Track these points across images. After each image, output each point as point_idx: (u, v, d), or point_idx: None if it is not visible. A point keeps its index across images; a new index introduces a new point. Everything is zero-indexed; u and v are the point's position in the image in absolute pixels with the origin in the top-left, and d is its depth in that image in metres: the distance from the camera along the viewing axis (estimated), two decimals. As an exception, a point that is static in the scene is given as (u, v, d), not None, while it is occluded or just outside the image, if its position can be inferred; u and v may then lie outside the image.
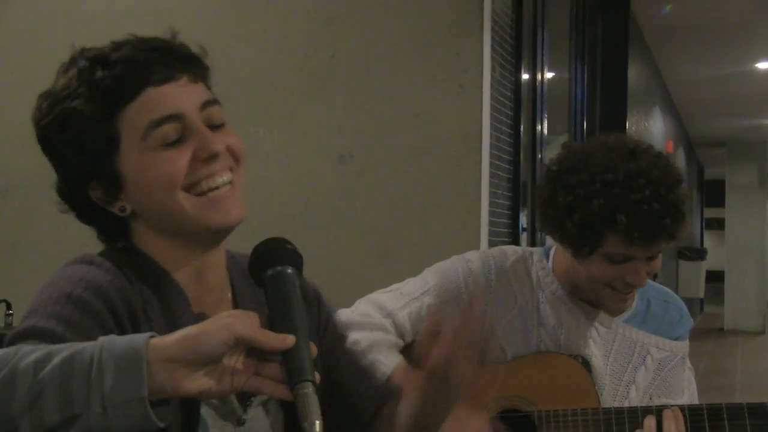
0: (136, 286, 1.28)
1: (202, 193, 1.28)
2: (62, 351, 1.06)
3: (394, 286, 2.18)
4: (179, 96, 1.27)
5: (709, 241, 20.14)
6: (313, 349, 1.12)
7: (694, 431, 1.95)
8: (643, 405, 2.03)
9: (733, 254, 15.66)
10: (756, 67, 9.79)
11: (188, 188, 1.27)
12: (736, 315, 15.42)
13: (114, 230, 1.34)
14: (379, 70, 3.84)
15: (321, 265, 3.79)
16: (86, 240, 4.57)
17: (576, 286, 2.09)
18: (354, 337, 2.05)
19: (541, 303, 2.12)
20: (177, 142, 1.26)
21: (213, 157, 1.27)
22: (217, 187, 1.28)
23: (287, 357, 1.10)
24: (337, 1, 3.90)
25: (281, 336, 1.10)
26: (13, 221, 4.28)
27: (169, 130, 1.26)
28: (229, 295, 1.40)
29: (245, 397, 1.32)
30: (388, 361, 2.03)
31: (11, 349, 1.09)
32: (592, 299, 2.10)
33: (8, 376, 1.05)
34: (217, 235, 1.32)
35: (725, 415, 1.95)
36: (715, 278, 16.95)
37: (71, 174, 1.31)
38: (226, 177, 1.29)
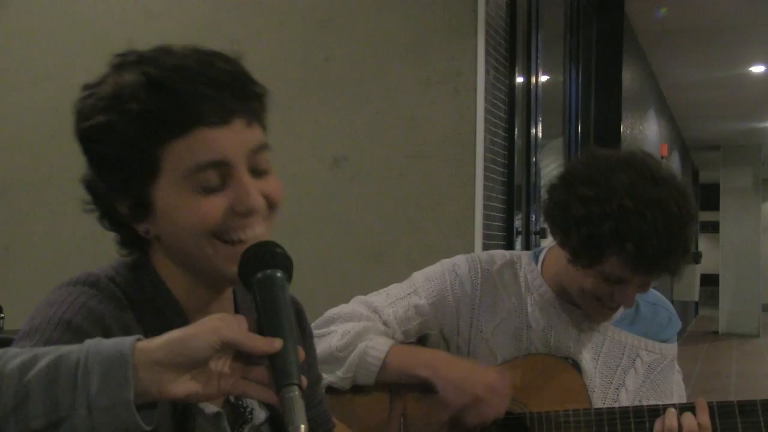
0: (138, 312, 1.26)
1: (230, 242, 1.25)
2: (48, 354, 1.05)
3: (381, 290, 2.19)
4: (230, 141, 1.22)
5: (704, 244, 20.16)
6: (301, 353, 1.12)
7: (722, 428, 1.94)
8: (635, 405, 2.03)
9: (728, 257, 15.69)
10: (750, 71, 9.82)
11: (217, 235, 1.24)
12: (731, 318, 15.44)
13: (134, 242, 1.31)
14: (373, 73, 3.84)
15: (315, 268, 3.80)
16: (80, 243, 4.53)
17: (565, 288, 2.10)
18: (342, 328, 2.05)
19: (529, 306, 2.12)
20: (217, 188, 1.22)
21: (250, 212, 1.24)
22: (246, 241, 1.25)
23: (274, 361, 1.09)
24: (331, 4, 3.90)
25: (268, 340, 1.10)
26: (7, 223, 4.27)
27: (212, 176, 1.21)
28: (232, 305, 1.39)
29: (237, 423, 1.32)
30: (380, 346, 2.03)
31: None
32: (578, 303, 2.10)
33: None
34: (231, 283, 1.31)
35: (737, 412, 1.94)
36: (710, 281, 16.98)
37: (102, 183, 1.26)
38: (258, 230, 1.26)
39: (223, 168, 1.22)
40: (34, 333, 1.19)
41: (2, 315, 3.47)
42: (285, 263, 1.19)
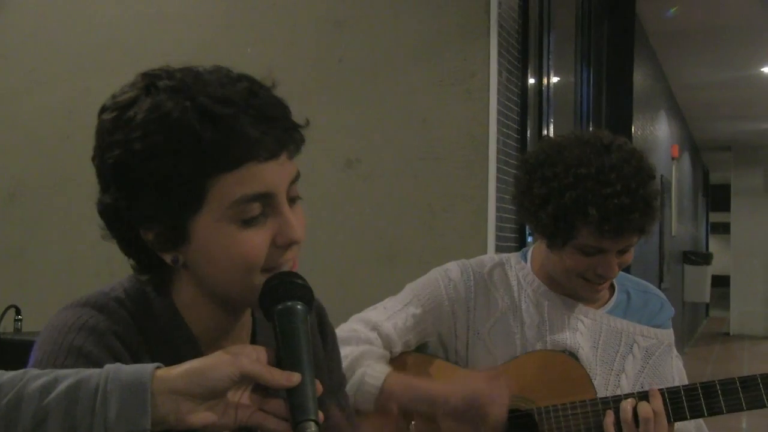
0: (147, 337, 1.26)
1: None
2: (68, 377, 1.07)
3: (377, 304, 2.22)
4: (276, 175, 1.21)
5: (715, 245, 20.11)
6: (319, 387, 1.12)
7: (675, 411, 1.99)
8: (639, 391, 2.05)
9: (739, 258, 15.65)
10: (762, 71, 9.79)
11: (266, 270, 1.22)
12: (742, 319, 15.41)
13: (154, 267, 1.28)
14: (386, 74, 3.84)
15: (328, 270, 3.81)
16: (94, 245, 4.53)
17: (554, 278, 2.14)
18: (341, 351, 2.06)
19: (523, 303, 2.16)
20: (257, 218, 1.21)
21: (292, 244, 1.23)
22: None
23: (292, 395, 1.10)
24: (345, 6, 3.90)
25: (286, 374, 1.10)
26: (22, 226, 4.29)
27: (255, 207, 1.20)
28: (249, 331, 1.39)
29: None
30: (376, 373, 2.05)
31: (18, 373, 1.09)
32: (568, 290, 2.14)
33: (14, 401, 1.05)
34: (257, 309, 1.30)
35: (701, 394, 2.00)
36: (721, 283, 16.94)
37: (131, 210, 1.21)
38: (296, 259, 1.26)
39: (266, 199, 1.21)
40: (47, 362, 1.19)
41: (20, 317, 3.49)
42: (306, 295, 1.20)
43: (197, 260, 1.23)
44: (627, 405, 1.98)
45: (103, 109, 1.23)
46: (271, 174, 1.20)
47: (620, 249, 2.01)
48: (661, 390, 2.00)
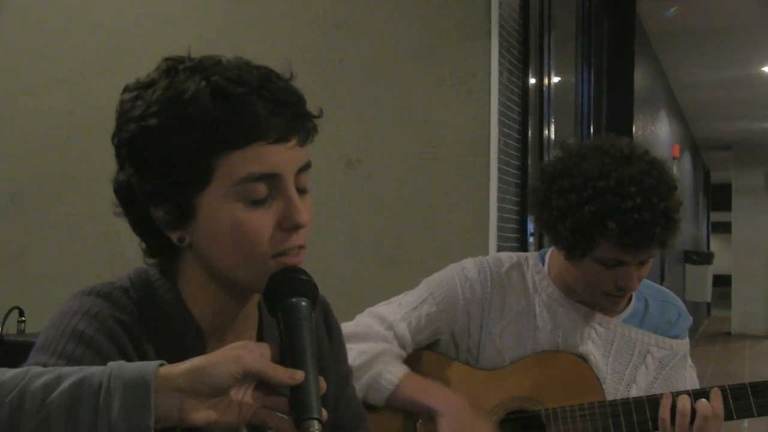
0: (151, 326, 1.26)
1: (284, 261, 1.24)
2: (71, 375, 1.07)
3: (392, 299, 2.21)
4: (284, 157, 1.22)
5: (716, 244, 20.11)
6: (323, 384, 1.12)
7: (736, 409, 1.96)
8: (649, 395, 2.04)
9: (740, 258, 15.65)
10: (762, 71, 9.79)
11: (272, 256, 1.23)
12: (744, 319, 15.40)
13: (163, 251, 1.29)
14: (386, 74, 3.84)
15: (328, 270, 3.80)
16: (95, 246, 4.52)
17: (571, 287, 2.12)
18: (359, 347, 2.06)
19: (537, 307, 2.14)
20: (263, 201, 1.22)
21: (297, 228, 1.24)
22: (298, 257, 1.25)
23: (295, 392, 1.10)
24: (345, 6, 3.90)
25: (290, 371, 1.10)
26: (23, 227, 4.29)
27: (261, 188, 1.21)
28: (255, 324, 1.38)
29: None
30: (395, 370, 2.05)
31: (21, 370, 1.09)
32: (586, 300, 2.12)
33: (17, 399, 1.05)
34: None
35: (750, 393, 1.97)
36: (722, 282, 16.95)
37: (144, 187, 1.23)
38: (303, 247, 1.26)
39: (273, 181, 1.22)
40: (48, 346, 1.20)
41: (24, 319, 3.49)
42: (310, 291, 1.19)
43: (203, 239, 1.24)
44: (685, 400, 1.94)
45: (125, 90, 1.26)
46: (279, 156, 1.21)
47: (640, 261, 1.98)
48: (723, 389, 1.97)
